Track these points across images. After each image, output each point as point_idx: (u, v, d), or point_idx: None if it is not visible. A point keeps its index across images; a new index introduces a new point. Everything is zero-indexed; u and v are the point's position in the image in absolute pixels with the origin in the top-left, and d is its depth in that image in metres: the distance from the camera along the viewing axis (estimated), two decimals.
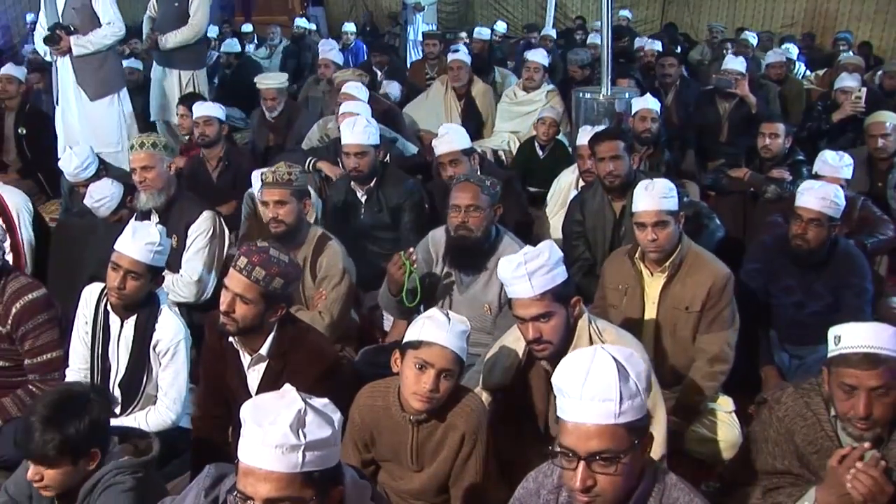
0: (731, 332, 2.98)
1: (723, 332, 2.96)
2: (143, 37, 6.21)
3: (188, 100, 5.43)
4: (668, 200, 2.92)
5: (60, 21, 5.33)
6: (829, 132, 5.35)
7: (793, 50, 8.15)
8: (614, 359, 1.58)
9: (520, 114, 6.17)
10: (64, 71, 5.42)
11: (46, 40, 5.28)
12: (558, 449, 1.59)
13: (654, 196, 2.92)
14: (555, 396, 2.48)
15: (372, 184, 4.04)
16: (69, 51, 5.31)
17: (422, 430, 2.28)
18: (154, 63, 6.36)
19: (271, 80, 5.79)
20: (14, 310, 2.87)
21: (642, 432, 1.60)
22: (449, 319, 2.21)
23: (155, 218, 3.68)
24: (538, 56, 6.30)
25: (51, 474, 2.01)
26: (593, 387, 1.54)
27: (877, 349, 1.99)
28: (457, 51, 7.08)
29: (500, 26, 10.61)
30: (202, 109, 4.77)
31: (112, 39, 5.46)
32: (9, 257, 3.86)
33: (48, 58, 5.50)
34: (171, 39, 5.98)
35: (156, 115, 6.34)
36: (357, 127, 4.00)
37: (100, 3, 5.33)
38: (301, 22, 10.67)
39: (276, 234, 3.28)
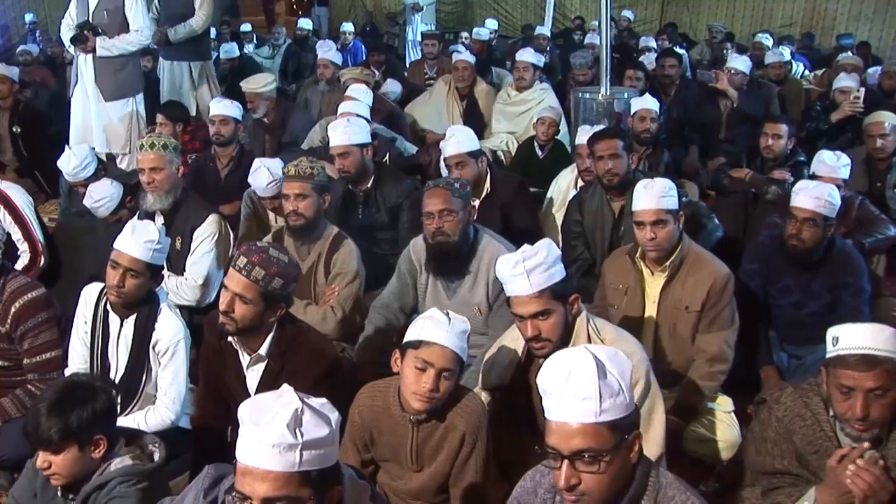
0: (730, 332, 2.98)
1: (722, 332, 2.96)
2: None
3: (167, 108, 5.41)
4: (667, 199, 2.92)
5: (90, 20, 5.37)
6: (828, 132, 5.35)
7: (785, 51, 8.16)
8: (595, 357, 1.59)
9: (515, 114, 6.16)
10: (84, 68, 5.47)
11: (73, 40, 5.34)
12: (547, 449, 1.60)
13: (653, 195, 2.91)
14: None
15: (369, 184, 4.04)
16: (93, 51, 5.37)
17: (421, 430, 2.27)
18: (161, 59, 6.45)
19: (251, 84, 5.72)
20: (13, 309, 2.87)
21: (628, 430, 1.60)
22: (449, 319, 2.21)
23: (160, 220, 3.66)
24: (527, 55, 6.31)
25: (58, 461, 2.03)
26: (573, 386, 1.56)
27: (874, 350, 1.99)
28: (460, 51, 7.06)
29: (491, 24, 10.48)
30: (219, 108, 4.73)
31: (136, 47, 5.55)
32: (24, 247, 3.87)
33: (72, 51, 5.55)
34: (181, 31, 6.07)
35: None
36: (339, 128, 4.01)
37: (132, 9, 5.39)
38: (303, 23, 10.69)
39: (294, 227, 3.30)
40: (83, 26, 5.33)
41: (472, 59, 6.57)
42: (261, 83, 5.68)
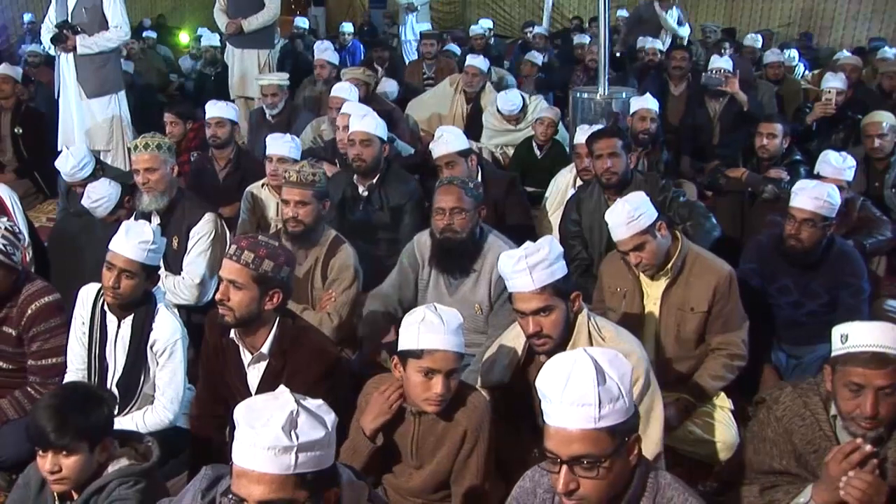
0: (744, 331, 2.99)
1: (739, 332, 2.97)
2: (221, 27, 6.79)
3: (175, 107, 5.43)
4: (637, 222, 2.84)
5: (69, 19, 5.42)
6: (804, 134, 5.31)
7: (794, 55, 8.16)
8: (594, 362, 1.58)
9: (507, 133, 5.99)
10: (66, 67, 5.53)
11: (54, 39, 5.41)
12: (545, 453, 1.60)
13: (621, 224, 2.86)
14: None
15: (374, 180, 4.02)
16: (74, 49, 5.42)
17: (423, 421, 2.27)
18: (228, 46, 6.88)
19: (272, 77, 5.81)
20: (29, 311, 2.88)
21: (627, 433, 1.59)
22: (443, 320, 2.17)
23: (156, 220, 3.65)
24: (477, 61, 6.41)
25: (68, 463, 2.00)
26: (572, 392, 1.55)
27: (886, 349, 1.98)
28: (474, 56, 7.07)
29: (486, 23, 10.37)
30: (214, 111, 4.72)
31: (116, 43, 5.61)
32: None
33: (52, 52, 5.67)
34: (254, 22, 6.53)
35: (235, 93, 6.73)
36: (366, 116, 4.02)
37: (110, 5, 5.44)
38: (299, 22, 10.67)
39: (292, 233, 3.28)
40: (62, 25, 5.38)
41: (485, 66, 6.55)
42: (279, 76, 5.84)
